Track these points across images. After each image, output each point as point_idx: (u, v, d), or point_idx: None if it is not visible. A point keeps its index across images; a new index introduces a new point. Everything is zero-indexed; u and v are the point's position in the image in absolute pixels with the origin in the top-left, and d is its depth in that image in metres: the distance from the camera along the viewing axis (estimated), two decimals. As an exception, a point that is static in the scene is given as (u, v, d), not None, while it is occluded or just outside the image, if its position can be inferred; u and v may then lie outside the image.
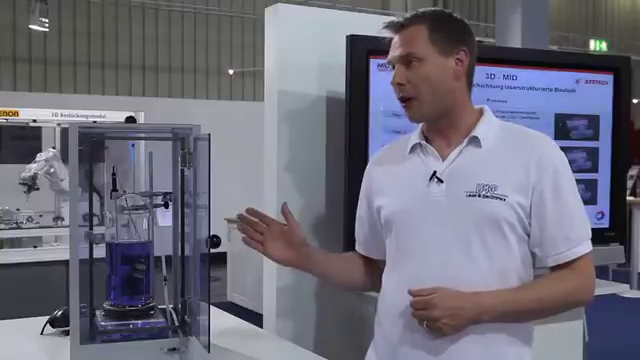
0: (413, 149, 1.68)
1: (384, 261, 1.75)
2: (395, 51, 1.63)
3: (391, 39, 1.65)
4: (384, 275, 1.74)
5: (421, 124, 1.70)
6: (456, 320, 1.52)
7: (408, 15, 1.64)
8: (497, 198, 1.54)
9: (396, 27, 1.64)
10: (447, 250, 1.57)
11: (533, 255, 1.62)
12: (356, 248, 1.88)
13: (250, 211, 1.74)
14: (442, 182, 1.60)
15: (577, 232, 1.58)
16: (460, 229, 1.57)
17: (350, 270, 1.87)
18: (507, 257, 1.57)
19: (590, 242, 1.60)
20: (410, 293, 1.54)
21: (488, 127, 1.63)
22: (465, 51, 1.61)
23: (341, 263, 1.89)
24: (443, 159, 1.62)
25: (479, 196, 1.55)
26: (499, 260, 1.56)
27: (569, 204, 1.58)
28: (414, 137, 1.69)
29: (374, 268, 1.82)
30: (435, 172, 1.61)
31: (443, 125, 1.64)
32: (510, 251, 1.57)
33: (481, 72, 2.53)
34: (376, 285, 1.79)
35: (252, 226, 1.74)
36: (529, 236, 1.59)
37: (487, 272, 1.56)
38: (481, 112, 1.67)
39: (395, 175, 1.71)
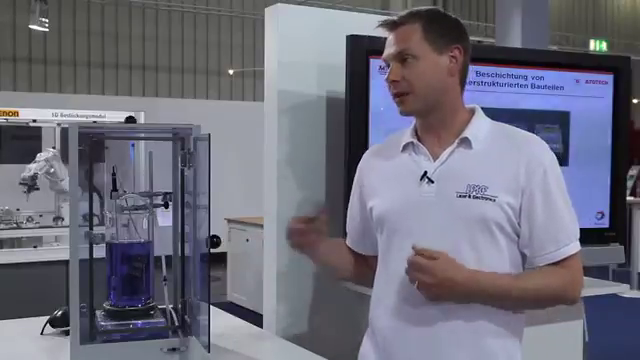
0: (405, 148, 1.69)
1: (374, 257, 1.76)
2: (390, 48, 1.64)
3: (386, 38, 1.66)
4: (376, 272, 1.74)
5: (413, 123, 1.70)
6: (443, 290, 1.53)
7: (403, 14, 1.66)
8: (487, 199, 1.55)
9: (391, 25, 1.65)
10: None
11: (523, 256, 1.63)
12: (346, 242, 1.89)
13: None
14: (433, 182, 1.61)
15: (565, 233, 1.59)
16: (450, 229, 1.58)
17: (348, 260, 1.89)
18: (496, 258, 1.58)
19: (578, 242, 1.61)
20: (414, 249, 1.54)
21: (479, 127, 1.64)
22: (459, 48, 1.62)
23: (342, 253, 1.91)
24: (434, 159, 1.63)
25: (469, 197, 1.56)
26: (488, 260, 1.57)
27: (558, 205, 1.59)
28: (406, 136, 1.70)
29: (362, 263, 1.84)
30: (426, 172, 1.62)
31: (434, 122, 1.65)
32: (499, 252, 1.58)
33: (479, 72, 2.55)
34: (363, 279, 1.82)
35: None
36: (519, 237, 1.60)
37: None
38: (472, 111, 1.68)
39: (387, 174, 1.71)
